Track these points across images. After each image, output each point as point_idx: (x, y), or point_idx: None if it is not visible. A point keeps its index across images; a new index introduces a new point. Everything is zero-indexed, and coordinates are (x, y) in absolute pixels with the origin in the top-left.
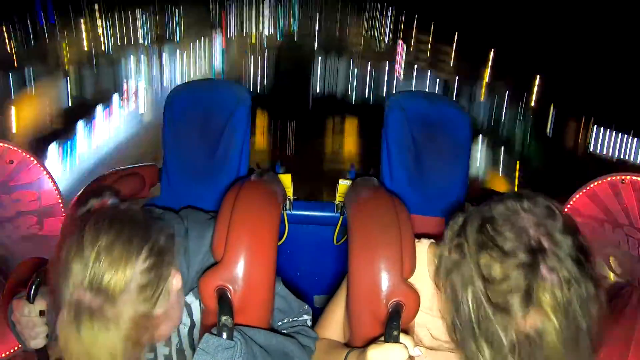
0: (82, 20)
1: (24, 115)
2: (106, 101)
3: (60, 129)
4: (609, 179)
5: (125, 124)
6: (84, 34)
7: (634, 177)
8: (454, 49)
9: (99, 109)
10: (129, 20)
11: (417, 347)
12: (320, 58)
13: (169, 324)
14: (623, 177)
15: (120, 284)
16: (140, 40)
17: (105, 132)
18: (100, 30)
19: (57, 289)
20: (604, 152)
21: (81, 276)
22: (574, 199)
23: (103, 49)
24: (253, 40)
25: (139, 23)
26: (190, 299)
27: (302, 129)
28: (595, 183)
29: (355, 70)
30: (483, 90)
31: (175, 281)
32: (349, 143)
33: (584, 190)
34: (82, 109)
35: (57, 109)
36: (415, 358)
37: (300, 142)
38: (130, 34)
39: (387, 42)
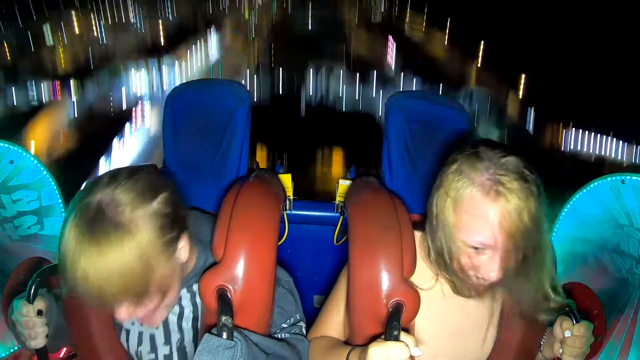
0: (73, 13)
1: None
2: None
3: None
4: (609, 179)
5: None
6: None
7: (634, 177)
8: (446, 36)
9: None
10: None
11: (417, 347)
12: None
13: (168, 294)
14: (623, 177)
15: (143, 210)
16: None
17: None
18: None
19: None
20: (584, 151)
21: (102, 196)
22: (574, 199)
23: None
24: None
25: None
26: (197, 288)
27: None
28: (596, 183)
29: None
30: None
31: (183, 249)
32: None
33: (585, 191)
34: (94, 126)
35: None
36: (416, 358)
37: None
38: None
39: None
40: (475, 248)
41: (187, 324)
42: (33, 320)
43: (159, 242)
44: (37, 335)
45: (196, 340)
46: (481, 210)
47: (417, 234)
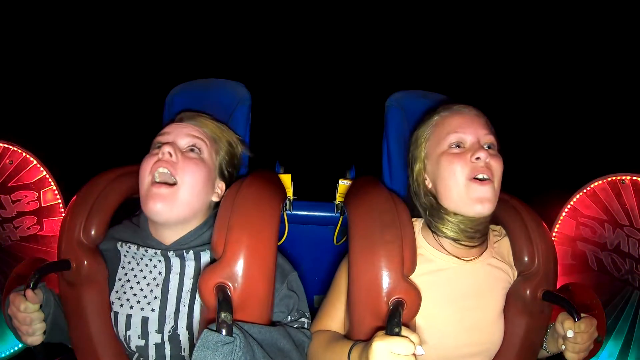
0: None
1: None
2: None
3: None
4: (609, 179)
5: None
6: None
7: (634, 178)
8: None
9: None
10: None
11: (420, 346)
12: None
13: (198, 167)
14: (623, 178)
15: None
16: None
17: None
18: None
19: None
20: None
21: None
22: (575, 199)
23: None
24: None
25: None
26: (206, 256)
27: None
28: (596, 183)
29: None
30: None
31: (219, 187)
32: None
33: (585, 191)
34: None
35: None
36: (418, 357)
37: None
38: None
39: None
40: (458, 145)
41: (186, 293)
42: (30, 317)
43: (227, 141)
44: (35, 331)
45: (190, 328)
46: (447, 119)
47: (418, 223)
